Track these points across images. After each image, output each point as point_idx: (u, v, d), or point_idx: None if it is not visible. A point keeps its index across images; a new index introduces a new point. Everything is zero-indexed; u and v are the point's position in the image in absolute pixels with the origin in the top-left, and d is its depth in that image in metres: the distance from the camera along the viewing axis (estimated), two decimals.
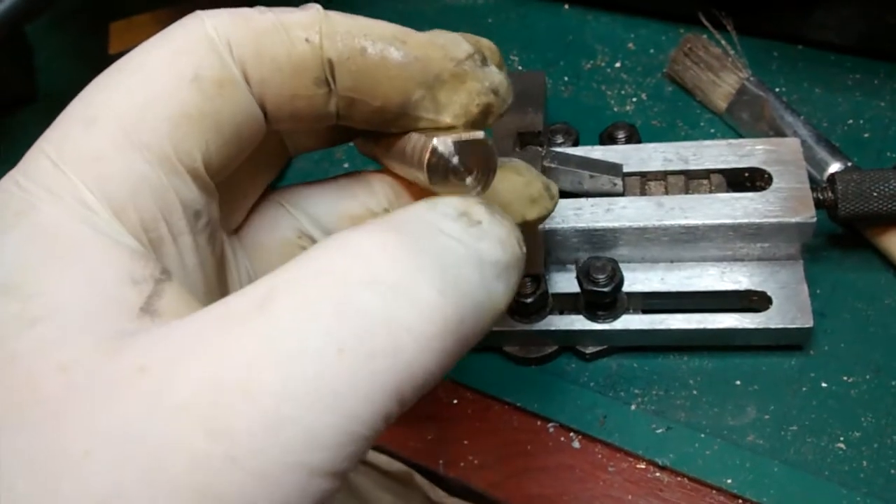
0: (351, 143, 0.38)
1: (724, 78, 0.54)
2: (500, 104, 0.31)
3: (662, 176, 0.46)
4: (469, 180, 0.29)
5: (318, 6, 0.29)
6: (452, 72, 0.30)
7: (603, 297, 0.43)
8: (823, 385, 0.43)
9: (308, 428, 0.22)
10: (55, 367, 0.23)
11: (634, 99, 0.58)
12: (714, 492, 0.41)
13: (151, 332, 0.24)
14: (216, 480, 0.22)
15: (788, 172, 0.44)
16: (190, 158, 0.28)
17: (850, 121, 0.53)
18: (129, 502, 0.21)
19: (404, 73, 0.29)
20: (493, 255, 0.27)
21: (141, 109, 0.27)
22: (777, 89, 0.54)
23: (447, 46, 0.30)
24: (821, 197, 0.44)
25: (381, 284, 0.24)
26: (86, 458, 0.22)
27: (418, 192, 0.33)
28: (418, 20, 0.66)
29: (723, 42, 0.54)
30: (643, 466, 0.43)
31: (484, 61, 0.31)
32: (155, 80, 0.27)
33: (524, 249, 0.29)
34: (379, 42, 0.29)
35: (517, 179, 0.33)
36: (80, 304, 0.24)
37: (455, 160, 0.28)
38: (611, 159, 0.46)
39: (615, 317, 0.45)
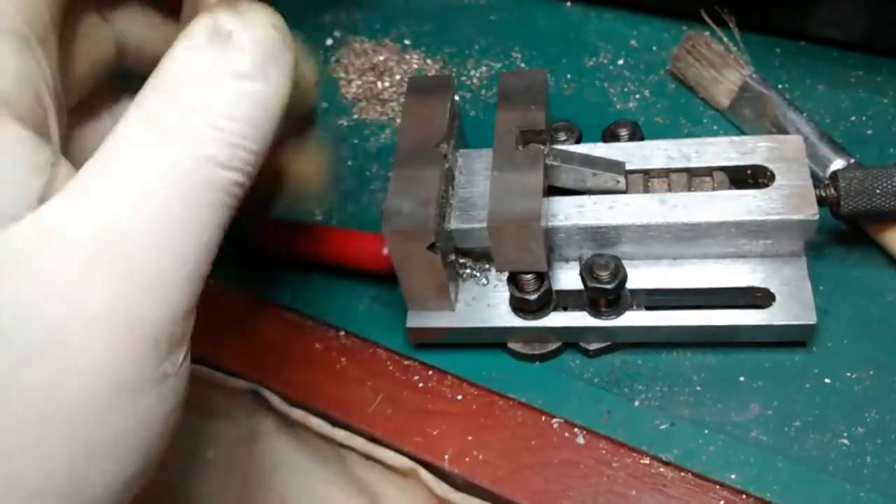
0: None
1: (726, 75, 0.54)
2: None
3: (665, 173, 0.46)
4: None
5: None
6: None
7: (606, 294, 0.43)
8: (827, 381, 0.43)
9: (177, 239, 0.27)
10: None
11: (637, 96, 0.58)
12: (718, 487, 0.41)
13: (45, 206, 0.27)
14: (134, 305, 0.26)
15: (791, 170, 0.44)
16: (41, 29, 0.29)
17: (853, 117, 0.53)
18: (71, 338, 0.26)
19: None
20: (241, 65, 0.29)
21: None
22: (780, 86, 0.54)
23: None
24: (823, 194, 0.44)
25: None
26: (19, 318, 0.25)
27: None
28: (421, 17, 0.67)
29: (725, 39, 0.54)
30: (647, 462, 0.43)
31: None
32: None
33: (284, 32, 0.31)
34: None
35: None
36: None
37: None
38: (613, 157, 0.46)
39: (619, 313, 0.45)
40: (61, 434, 0.26)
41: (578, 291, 0.45)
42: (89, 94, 0.37)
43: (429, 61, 0.63)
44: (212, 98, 0.28)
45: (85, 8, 0.34)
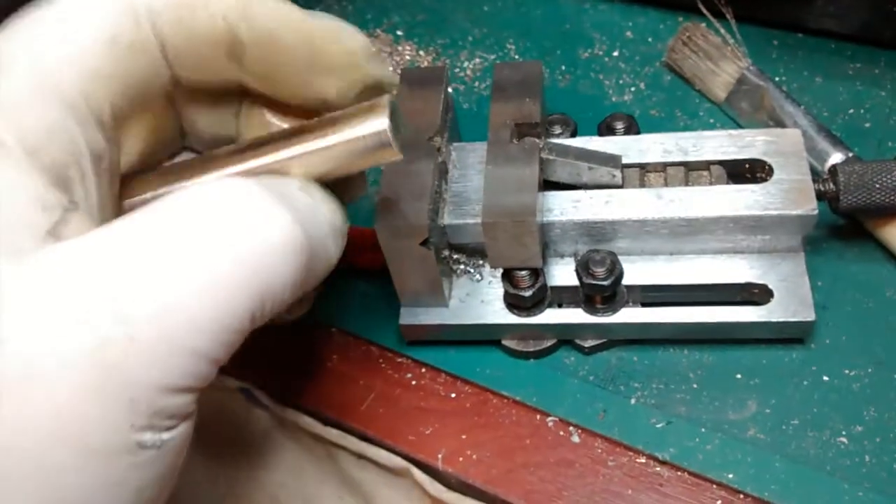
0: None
1: (723, 67, 0.54)
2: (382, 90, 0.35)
3: (662, 167, 0.46)
4: None
5: None
6: (345, 61, 0.34)
7: (602, 291, 0.43)
8: (825, 379, 0.43)
9: (192, 317, 0.27)
10: None
11: (633, 88, 0.57)
12: (715, 486, 0.41)
13: (56, 246, 0.27)
14: (118, 361, 0.25)
15: (789, 164, 0.43)
16: (99, 111, 0.31)
17: (851, 110, 0.53)
18: (45, 380, 0.25)
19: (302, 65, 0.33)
20: (330, 216, 0.33)
21: (58, 62, 0.30)
22: (777, 78, 0.54)
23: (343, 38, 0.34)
24: (822, 189, 0.44)
25: (244, 207, 0.29)
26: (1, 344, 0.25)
27: None
28: (414, 7, 0.66)
29: (722, 30, 0.54)
30: (643, 461, 0.42)
31: (378, 51, 0.34)
32: (73, 36, 0.30)
33: (347, 225, 0.35)
34: (286, 30, 0.33)
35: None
36: None
37: None
38: (609, 151, 0.46)
39: (614, 310, 0.44)
40: (14, 479, 0.25)
41: (574, 288, 0.44)
42: (145, 162, 0.37)
43: (421, 53, 0.63)
44: None
45: (153, 94, 0.35)
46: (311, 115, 0.35)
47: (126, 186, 0.35)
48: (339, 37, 0.34)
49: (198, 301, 0.27)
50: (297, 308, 0.41)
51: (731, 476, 0.40)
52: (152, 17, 0.32)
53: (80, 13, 0.31)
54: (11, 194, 0.28)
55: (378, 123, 0.33)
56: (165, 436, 0.27)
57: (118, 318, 0.26)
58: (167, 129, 0.37)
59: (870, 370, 0.43)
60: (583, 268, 0.43)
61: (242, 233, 0.28)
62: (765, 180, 0.43)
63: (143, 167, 0.37)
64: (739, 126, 0.53)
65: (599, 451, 0.43)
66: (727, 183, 0.45)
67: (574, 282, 0.44)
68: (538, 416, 0.44)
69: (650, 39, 0.60)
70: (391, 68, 0.33)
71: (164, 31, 0.32)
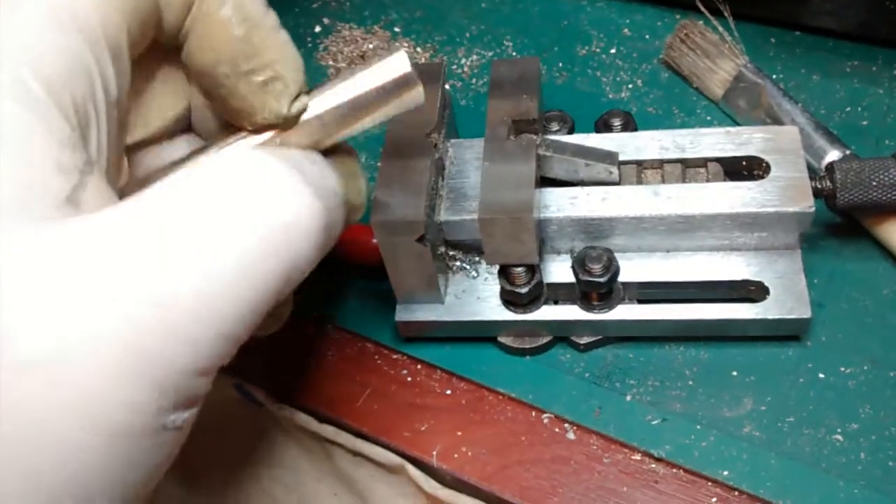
0: None
1: (720, 64, 0.54)
2: (281, 128, 0.34)
3: (659, 164, 0.46)
4: None
5: None
6: (262, 80, 0.33)
7: (598, 288, 0.43)
8: (821, 376, 0.43)
9: (225, 299, 0.26)
10: None
11: (630, 86, 0.57)
12: (710, 483, 0.41)
13: (77, 221, 0.26)
14: (150, 343, 0.25)
15: (787, 161, 0.43)
16: (116, 40, 0.30)
17: (848, 108, 0.53)
18: (74, 359, 0.24)
19: (227, 45, 0.32)
20: (336, 187, 0.33)
21: None
22: (774, 76, 0.54)
23: (282, 59, 0.33)
24: (819, 186, 0.44)
25: (273, 183, 0.29)
26: (27, 327, 0.24)
27: None
28: (411, 4, 0.66)
29: (719, 28, 0.54)
30: (638, 458, 0.42)
31: (302, 91, 0.34)
32: None
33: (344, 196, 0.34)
34: (236, 12, 0.32)
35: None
36: (8, 191, 0.25)
37: None
38: (606, 147, 0.46)
39: (610, 307, 0.44)
40: (37, 457, 0.24)
41: (570, 284, 0.44)
42: (154, 137, 0.37)
43: (419, 49, 0.63)
44: None
45: (168, 59, 0.35)
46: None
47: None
48: (285, 57, 0.33)
49: (230, 282, 0.26)
50: (271, 324, 0.40)
51: (726, 473, 0.40)
52: None
53: None
54: (28, 149, 0.26)
55: (399, 62, 0.33)
56: (187, 415, 0.27)
57: (150, 299, 0.25)
58: (176, 93, 0.36)
59: (865, 368, 0.43)
60: (579, 264, 0.43)
61: (270, 211, 0.28)
62: (762, 177, 0.43)
63: (151, 137, 0.36)
64: (737, 123, 0.53)
65: (595, 448, 0.43)
66: (724, 180, 0.45)
67: (570, 279, 0.44)
68: (533, 413, 0.44)
69: (647, 37, 0.60)
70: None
71: None
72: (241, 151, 0.31)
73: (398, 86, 0.34)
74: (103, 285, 0.25)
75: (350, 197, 0.35)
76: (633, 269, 0.44)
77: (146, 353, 0.25)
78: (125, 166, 0.34)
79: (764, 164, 0.44)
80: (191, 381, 0.26)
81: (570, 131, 0.49)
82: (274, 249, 0.28)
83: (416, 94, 0.34)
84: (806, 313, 0.42)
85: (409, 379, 0.47)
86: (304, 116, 0.34)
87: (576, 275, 0.43)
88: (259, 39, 0.32)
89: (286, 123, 0.33)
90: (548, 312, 0.45)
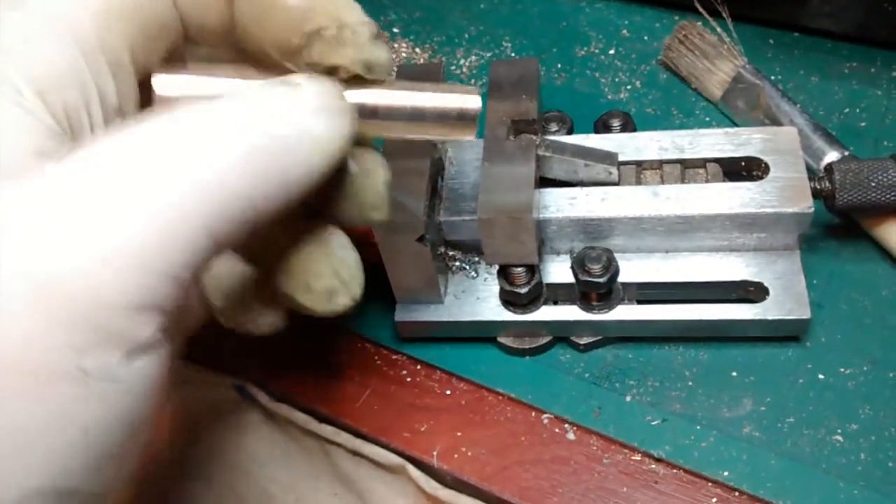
0: None
1: (719, 65, 0.54)
2: (370, 78, 0.32)
3: (658, 165, 0.46)
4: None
5: None
6: (333, 32, 0.31)
7: (598, 288, 0.43)
8: (820, 377, 0.43)
9: (138, 231, 0.25)
10: None
11: (629, 86, 0.57)
12: (710, 484, 0.41)
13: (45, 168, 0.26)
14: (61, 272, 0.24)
15: (786, 162, 0.43)
16: (115, 53, 0.30)
17: (847, 109, 0.53)
18: None
19: (288, 16, 0.31)
20: (306, 99, 0.29)
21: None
22: (773, 77, 0.54)
23: (340, 8, 0.31)
24: (818, 187, 0.44)
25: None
26: None
27: None
28: (410, 4, 0.66)
29: (718, 29, 0.54)
30: (638, 458, 0.42)
31: (379, 35, 0.33)
32: None
33: (346, 102, 0.31)
34: None
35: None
36: None
37: None
38: (605, 148, 0.46)
39: (610, 307, 0.44)
40: None
41: (570, 285, 0.44)
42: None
43: (418, 50, 0.63)
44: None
45: (172, 41, 0.34)
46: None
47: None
48: (342, 5, 0.32)
49: (146, 213, 0.25)
50: (272, 322, 0.38)
51: (726, 474, 0.40)
52: None
53: None
54: (8, 134, 0.27)
55: (472, 101, 0.34)
56: (117, 365, 0.25)
57: (65, 238, 0.24)
58: (170, 29, 0.35)
59: (865, 368, 0.43)
60: (578, 265, 0.43)
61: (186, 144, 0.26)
62: (761, 178, 0.43)
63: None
64: (735, 124, 0.53)
65: (594, 448, 0.43)
66: (723, 181, 0.45)
67: (570, 279, 0.44)
68: (533, 414, 0.44)
69: (646, 38, 0.60)
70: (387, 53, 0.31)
71: None
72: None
73: (458, 119, 0.34)
74: (30, 228, 0.24)
75: (367, 196, 0.34)
76: (632, 269, 0.44)
77: (55, 286, 0.24)
78: None
79: (763, 165, 0.44)
80: (112, 318, 0.25)
81: (570, 132, 0.49)
82: (204, 191, 0.26)
83: (468, 133, 0.34)
84: (805, 314, 0.42)
85: (409, 379, 0.47)
86: (361, 99, 0.33)
87: (575, 275, 0.43)
88: None
89: (372, 72, 0.32)
90: (547, 313, 0.45)
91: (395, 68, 0.47)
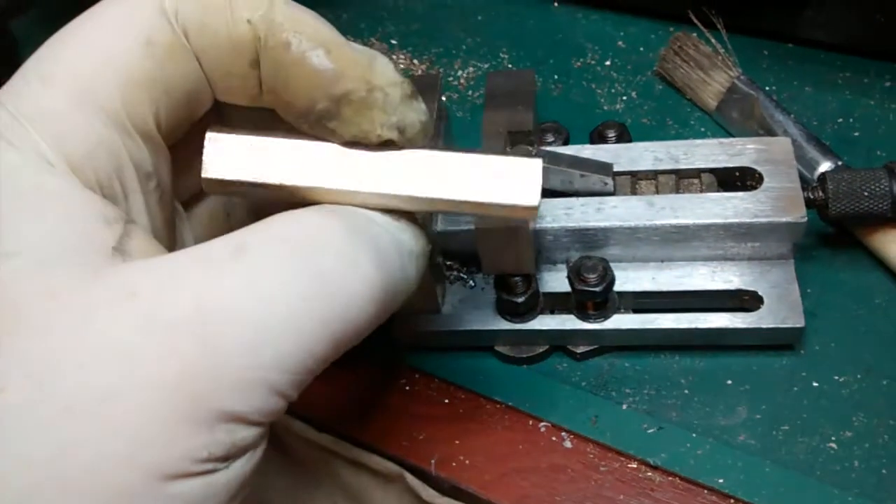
0: None
1: (714, 76, 0.54)
2: (403, 142, 0.32)
3: (653, 175, 0.46)
4: None
5: None
6: (362, 95, 0.31)
7: (594, 297, 0.43)
8: (815, 385, 0.43)
9: (278, 353, 0.26)
10: (39, 291, 0.25)
11: (624, 97, 0.58)
12: (706, 491, 0.41)
13: (133, 265, 0.27)
14: (202, 387, 0.25)
15: (779, 172, 0.44)
16: (142, 121, 0.30)
17: (840, 119, 0.53)
18: (124, 401, 0.24)
19: (315, 80, 0.30)
20: (409, 244, 0.32)
21: (96, 71, 0.29)
22: (767, 88, 0.54)
23: (369, 69, 0.31)
24: (812, 196, 0.44)
25: (333, 253, 0.29)
26: (80, 368, 0.24)
27: None
28: (408, 17, 0.66)
29: (713, 40, 0.54)
30: (635, 466, 0.42)
31: (412, 95, 0.32)
32: (109, 42, 0.29)
33: (429, 247, 0.34)
34: (306, 42, 0.30)
35: None
36: (55, 240, 0.26)
37: None
38: (601, 158, 0.46)
39: (606, 316, 0.44)
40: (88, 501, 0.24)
41: (566, 294, 0.45)
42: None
43: (415, 61, 0.63)
44: None
45: (200, 107, 0.33)
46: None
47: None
48: (371, 67, 0.31)
49: (281, 338, 0.27)
50: None
51: (721, 481, 0.41)
52: (182, 21, 0.30)
53: (115, 18, 0.30)
54: (69, 209, 0.27)
55: (530, 196, 0.31)
56: (239, 462, 0.27)
57: (204, 346, 0.25)
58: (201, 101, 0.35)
59: (859, 376, 0.43)
60: (575, 274, 0.43)
61: (329, 279, 0.28)
62: (755, 188, 0.44)
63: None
64: (730, 135, 0.54)
65: (591, 456, 0.43)
66: (718, 191, 0.45)
67: (566, 288, 0.44)
68: (530, 422, 0.44)
69: (642, 49, 0.61)
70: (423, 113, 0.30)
71: (189, 33, 0.30)
72: (306, 212, 0.30)
73: (514, 210, 0.32)
74: (154, 326, 0.25)
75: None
76: (628, 278, 0.45)
77: (193, 396, 0.25)
78: (179, 225, 0.35)
79: (757, 175, 0.44)
80: (237, 428, 0.26)
81: (565, 142, 0.50)
82: (327, 316, 0.28)
83: (530, 215, 0.32)
84: (799, 322, 0.42)
85: (407, 388, 0.47)
86: (413, 192, 0.32)
87: (572, 285, 0.43)
88: (337, 59, 0.30)
89: (405, 134, 0.32)
90: (544, 322, 0.45)
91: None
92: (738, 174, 0.45)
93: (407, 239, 0.32)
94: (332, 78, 0.30)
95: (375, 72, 0.31)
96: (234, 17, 0.30)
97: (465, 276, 0.47)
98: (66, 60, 0.29)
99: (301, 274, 0.28)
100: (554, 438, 0.44)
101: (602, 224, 0.44)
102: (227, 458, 0.26)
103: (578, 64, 0.61)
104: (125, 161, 0.30)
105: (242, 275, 0.27)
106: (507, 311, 0.45)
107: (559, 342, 0.46)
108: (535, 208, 0.32)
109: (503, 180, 0.32)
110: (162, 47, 0.30)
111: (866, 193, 0.44)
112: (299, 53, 0.30)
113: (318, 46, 0.30)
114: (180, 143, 0.33)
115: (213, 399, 0.25)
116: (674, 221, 0.43)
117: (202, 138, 0.32)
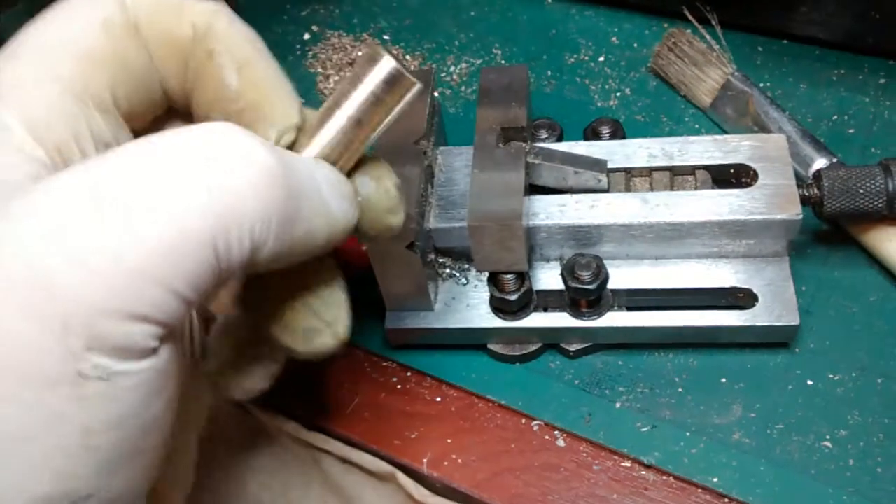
0: None
1: (708, 73, 0.54)
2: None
3: (647, 172, 0.46)
4: None
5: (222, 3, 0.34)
6: (251, 117, 0.33)
7: (588, 295, 0.43)
8: (809, 383, 0.43)
9: (143, 239, 0.25)
10: None
11: (618, 94, 0.58)
12: (700, 490, 0.41)
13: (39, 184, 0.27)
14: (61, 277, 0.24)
15: (774, 169, 0.43)
16: (98, 93, 0.32)
17: (835, 116, 0.53)
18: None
19: (218, 93, 0.33)
20: (331, 176, 0.31)
21: (55, 47, 0.32)
22: (762, 84, 0.54)
23: (267, 101, 0.33)
24: (807, 193, 0.44)
25: (222, 143, 0.28)
26: None
27: None
28: (401, 12, 0.66)
29: (707, 37, 0.54)
30: (628, 465, 0.42)
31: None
32: (70, 23, 0.32)
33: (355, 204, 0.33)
34: (227, 57, 0.33)
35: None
36: None
37: None
38: (595, 155, 0.46)
39: (600, 314, 0.44)
40: None
41: (559, 292, 0.44)
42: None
43: (408, 57, 0.63)
44: None
45: (154, 90, 0.35)
46: None
47: None
48: (270, 100, 0.33)
49: (152, 223, 0.25)
50: (263, 376, 0.38)
51: (715, 480, 0.40)
52: (135, 11, 0.33)
53: (79, 5, 0.33)
54: (7, 165, 0.29)
55: (385, 65, 0.32)
56: (116, 367, 0.25)
57: (67, 246, 0.25)
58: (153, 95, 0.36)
59: (853, 374, 0.43)
60: (568, 272, 0.43)
61: (211, 161, 0.27)
62: (750, 185, 0.43)
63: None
64: (724, 132, 0.54)
65: (584, 455, 0.43)
66: (712, 187, 0.45)
67: (559, 286, 0.44)
68: (523, 421, 0.44)
69: (636, 45, 0.60)
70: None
71: (141, 24, 0.33)
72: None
73: (390, 87, 0.33)
74: (29, 233, 0.25)
75: (382, 202, 0.34)
76: (622, 276, 0.44)
77: (54, 291, 0.24)
78: None
79: (752, 172, 0.44)
80: (109, 324, 0.25)
81: (559, 139, 0.49)
82: (208, 198, 0.26)
83: (412, 86, 0.33)
84: (794, 320, 0.42)
85: (399, 386, 0.46)
86: (310, 152, 0.33)
87: (565, 282, 0.43)
88: (243, 80, 0.33)
89: (302, 115, 0.33)
90: (537, 320, 0.45)
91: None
92: (732, 171, 0.45)
93: (330, 173, 0.32)
94: (231, 96, 0.33)
95: (273, 105, 0.33)
96: (182, 18, 0.33)
97: (458, 274, 0.46)
98: (32, 39, 0.32)
99: (180, 164, 0.27)
100: (547, 437, 0.44)
101: (596, 221, 0.43)
102: (105, 356, 0.25)
103: (572, 60, 0.60)
104: (83, 129, 0.31)
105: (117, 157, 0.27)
106: (500, 308, 0.45)
107: (552, 340, 0.45)
108: (397, 68, 0.32)
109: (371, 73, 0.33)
110: (117, 27, 0.32)
111: (861, 191, 0.43)
112: (217, 66, 0.33)
113: (235, 64, 0.33)
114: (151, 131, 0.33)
115: (70, 293, 0.24)
116: (668, 219, 0.43)
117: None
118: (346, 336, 0.34)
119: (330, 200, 0.31)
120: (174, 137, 0.28)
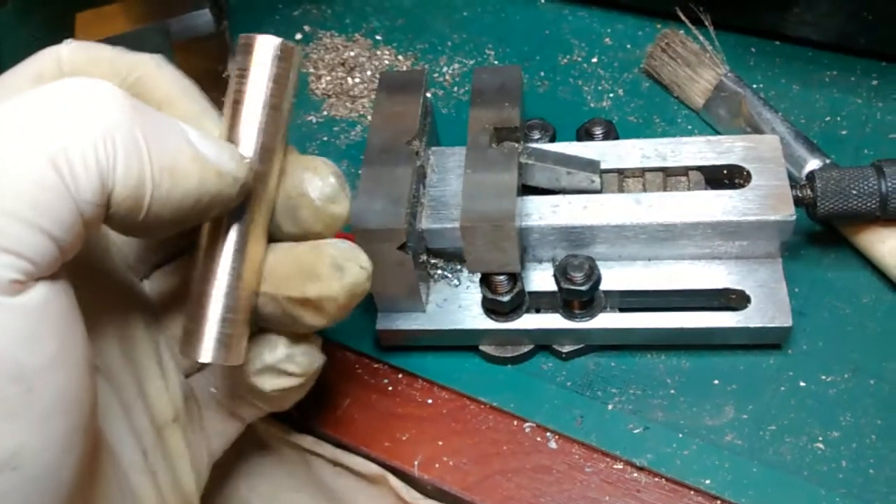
0: None
1: (701, 74, 0.54)
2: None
3: (640, 173, 0.46)
4: None
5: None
6: None
7: (580, 296, 0.43)
8: (802, 384, 0.43)
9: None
10: None
11: (611, 94, 0.57)
12: (692, 492, 0.41)
13: None
14: None
15: (767, 170, 0.43)
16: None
17: (828, 117, 0.53)
18: None
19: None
20: (206, 144, 0.31)
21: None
22: (755, 85, 0.54)
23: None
24: (800, 195, 0.44)
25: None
26: None
27: None
28: (393, 12, 0.66)
29: (700, 37, 0.54)
30: (621, 467, 0.42)
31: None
32: (10, 78, 0.34)
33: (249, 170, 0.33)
34: (146, 96, 0.34)
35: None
36: None
37: None
38: (588, 156, 0.46)
39: (592, 315, 0.44)
40: None
41: (552, 293, 0.44)
42: None
43: (400, 57, 0.62)
44: None
45: None
46: None
47: None
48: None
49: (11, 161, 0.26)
50: (248, 413, 0.41)
51: (708, 482, 0.40)
52: (69, 68, 0.34)
53: (23, 65, 0.34)
54: None
55: (266, 42, 0.33)
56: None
57: None
58: None
59: (846, 376, 0.43)
60: (561, 273, 0.43)
61: (50, 96, 0.28)
62: (743, 186, 0.43)
63: None
64: (717, 133, 0.53)
65: (577, 457, 0.43)
66: (705, 189, 0.45)
67: (552, 287, 0.44)
68: (515, 423, 0.44)
69: (629, 46, 0.60)
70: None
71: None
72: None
73: (283, 58, 0.33)
74: None
75: (323, 191, 0.35)
76: (614, 277, 0.44)
77: None
78: None
79: (745, 173, 0.44)
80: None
81: (552, 140, 0.49)
82: (44, 128, 0.27)
83: (295, 50, 0.34)
84: (787, 322, 0.42)
85: (391, 388, 0.46)
86: (246, 151, 0.33)
87: (558, 283, 0.43)
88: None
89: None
90: (529, 321, 0.44)
91: (378, 76, 0.47)
92: (725, 172, 0.45)
93: (211, 144, 0.32)
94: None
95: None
96: (111, 69, 0.34)
97: (450, 275, 0.46)
98: None
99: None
100: (539, 439, 0.43)
101: (589, 222, 0.43)
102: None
103: (565, 61, 0.60)
104: None
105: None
106: (492, 310, 0.44)
107: (544, 341, 0.45)
108: (280, 40, 0.33)
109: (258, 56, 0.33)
110: (49, 80, 0.31)
111: (854, 192, 0.43)
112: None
113: (155, 103, 0.33)
114: None
115: None
116: (661, 220, 0.42)
117: None
118: (369, 266, 0.36)
119: (198, 142, 0.31)
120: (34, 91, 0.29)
